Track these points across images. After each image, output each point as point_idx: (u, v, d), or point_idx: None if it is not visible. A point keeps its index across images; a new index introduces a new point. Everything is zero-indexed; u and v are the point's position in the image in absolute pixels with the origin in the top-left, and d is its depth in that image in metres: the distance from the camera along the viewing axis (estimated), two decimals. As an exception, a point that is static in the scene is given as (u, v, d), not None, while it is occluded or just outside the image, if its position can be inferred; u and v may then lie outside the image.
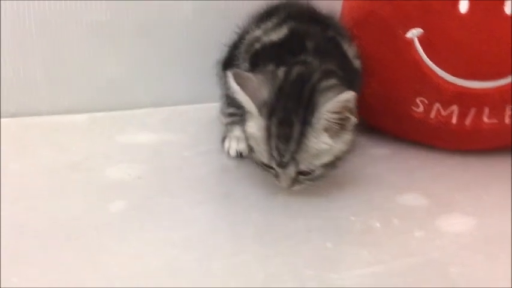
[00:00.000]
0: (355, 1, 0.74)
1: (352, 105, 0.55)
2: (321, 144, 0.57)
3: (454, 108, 0.68)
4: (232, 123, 0.72)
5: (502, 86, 0.66)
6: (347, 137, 0.58)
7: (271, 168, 0.59)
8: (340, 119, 0.56)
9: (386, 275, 0.51)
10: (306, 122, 0.56)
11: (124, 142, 0.74)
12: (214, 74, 0.75)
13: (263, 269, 0.51)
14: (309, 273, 0.51)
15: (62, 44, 0.80)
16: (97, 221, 0.57)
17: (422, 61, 0.67)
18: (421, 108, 0.70)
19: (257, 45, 0.65)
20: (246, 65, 0.66)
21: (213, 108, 0.80)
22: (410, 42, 0.67)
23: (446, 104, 0.68)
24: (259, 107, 0.57)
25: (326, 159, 0.58)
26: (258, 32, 0.67)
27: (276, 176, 0.60)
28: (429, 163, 0.71)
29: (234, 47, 0.71)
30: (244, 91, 0.57)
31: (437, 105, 0.69)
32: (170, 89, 0.86)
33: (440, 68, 0.67)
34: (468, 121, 0.68)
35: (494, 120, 0.68)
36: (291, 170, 0.58)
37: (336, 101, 0.55)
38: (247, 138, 0.62)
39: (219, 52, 0.74)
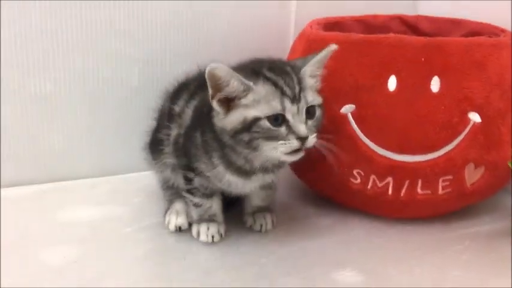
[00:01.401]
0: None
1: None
2: (313, 83, 0.63)
3: (389, 180, 0.70)
4: (172, 198, 0.73)
5: (432, 160, 0.68)
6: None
7: (280, 124, 0.59)
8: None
9: None
10: (290, 64, 0.63)
11: (64, 218, 0.73)
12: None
13: None
14: None
15: (4, 115, 0.79)
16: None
17: (357, 135, 0.70)
18: (358, 180, 0.71)
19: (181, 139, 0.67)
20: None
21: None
22: (344, 117, 0.70)
23: (381, 176, 0.70)
24: (254, 77, 0.60)
25: (320, 98, 0.63)
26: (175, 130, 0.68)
27: (286, 131, 0.59)
28: (369, 234, 0.73)
29: (156, 130, 0.73)
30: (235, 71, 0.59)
31: (373, 177, 0.71)
32: (116, 157, 0.86)
33: (372, 142, 0.69)
34: (403, 192, 0.70)
35: (428, 192, 0.70)
36: (303, 103, 0.60)
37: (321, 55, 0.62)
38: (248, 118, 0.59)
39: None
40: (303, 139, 0.60)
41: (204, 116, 0.64)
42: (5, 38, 0.77)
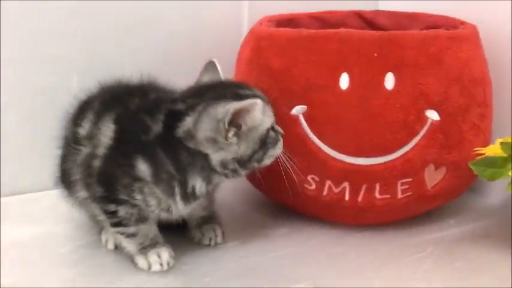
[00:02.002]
0: (242, 74, 0.71)
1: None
2: None
3: (346, 184, 0.65)
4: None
5: (389, 162, 0.64)
6: None
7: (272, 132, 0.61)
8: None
9: None
10: None
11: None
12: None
13: None
14: None
15: None
16: None
17: (309, 138, 0.65)
18: (313, 186, 0.67)
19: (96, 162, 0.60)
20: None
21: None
22: (296, 119, 0.65)
23: (337, 182, 0.66)
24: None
25: None
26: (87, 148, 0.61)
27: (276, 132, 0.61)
28: (327, 243, 0.67)
29: (63, 160, 0.64)
30: None
31: (328, 182, 0.66)
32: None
33: (326, 145, 0.64)
34: (360, 197, 0.66)
35: (387, 196, 0.65)
36: None
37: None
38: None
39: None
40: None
41: (159, 143, 0.57)
42: None
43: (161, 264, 0.61)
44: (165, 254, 0.61)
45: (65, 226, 0.70)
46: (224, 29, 0.87)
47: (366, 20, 0.83)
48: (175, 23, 0.84)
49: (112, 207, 0.59)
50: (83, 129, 0.61)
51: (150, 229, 0.61)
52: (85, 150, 0.61)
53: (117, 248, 0.64)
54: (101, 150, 0.59)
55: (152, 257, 0.61)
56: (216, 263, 0.63)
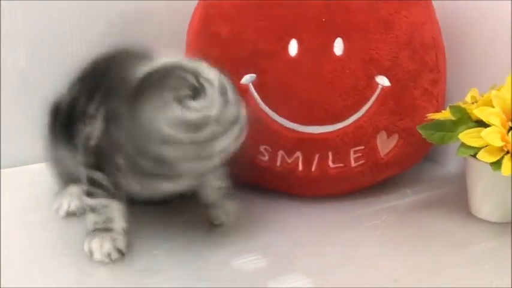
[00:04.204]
0: (191, 46, 0.69)
1: None
2: None
3: (298, 154, 0.65)
4: (65, 180, 0.64)
5: (341, 129, 0.63)
6: None
7: None
8: None
9: None
10: None
11: None
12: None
13: None
14: None
15: None
16: None
17: (260, 108, 0.64)
18: (266, 157, 0.66)
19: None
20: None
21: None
22: (245, 89, 0.64)
23: (289, 152, 0.65)
24: None
25: None
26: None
27: None
28: (283, 214, 0.66)
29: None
30: None
31: (281, 152, 0.65)
32: (4, 149, 0.76)
33: (277, 114, 0.63)
34: (314, 167, 0.65)
35: (340, 165, 0.65)
36: None
37: None
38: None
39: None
40: None
41: None
42: None
43: (101, 253, 0.56)
44: (108, 244, 0.56)
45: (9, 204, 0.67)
46: (177, 5, 0.85)
47: None
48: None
49: (98, 175, 0.57)
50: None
51: (114, 210, 0.58)
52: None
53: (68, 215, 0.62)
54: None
55: (94, 243, 0.56)
56: (165, 237, 0.60)
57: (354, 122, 0.63)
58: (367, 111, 0.63)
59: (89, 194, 0.59)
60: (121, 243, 0.57)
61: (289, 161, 0.65)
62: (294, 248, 0.60)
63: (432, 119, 0.64)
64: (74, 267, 0.55)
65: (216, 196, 0.65)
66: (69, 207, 0.64)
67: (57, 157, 0.66)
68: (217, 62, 0.62)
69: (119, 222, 0.58)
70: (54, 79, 0.69)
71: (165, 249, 0.59)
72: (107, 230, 0.57)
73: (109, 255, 0.56)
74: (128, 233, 0.59)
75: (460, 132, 0.59)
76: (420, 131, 0.62)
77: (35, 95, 0.75)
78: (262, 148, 0.65)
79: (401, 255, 0.58)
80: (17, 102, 0.77)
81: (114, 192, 0.58)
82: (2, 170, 0.77)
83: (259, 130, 0.64)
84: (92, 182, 0.58)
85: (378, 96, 0.63)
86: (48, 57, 0.76)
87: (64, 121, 0.64)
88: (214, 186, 0.64)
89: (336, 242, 0.60)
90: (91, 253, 0.56)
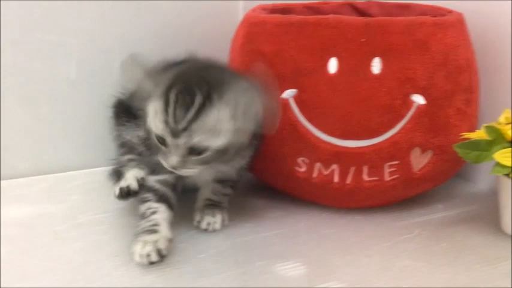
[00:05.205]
0: (234, 61, 0.73)
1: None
2: (221, 121, 0.56)
3: (335, 167, 0.67)
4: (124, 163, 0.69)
5: (377, 144, 0.66)
6: (246, 132, 0.58)
7: (163, 143, 0.56)
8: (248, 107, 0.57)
9: None
10: (209, 95, 0.56)
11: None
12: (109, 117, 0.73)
13: None
14: None
15: None
16: None
17: (299, 121, 0.67)
18: (303, 168, 0.69)
19: None
20: None
21: (101, 173, 0.78)
22: (286, 103, 0.67)
23: (326, 164, 0.67)
24: (159, 82, 0.56)
25: (220, 141, 0.56)
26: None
27: (167, 153, 0.56)
28: (317, 225, 0.69)
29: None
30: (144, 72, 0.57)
31: (318, 164, 0.68)
32: (56, 154, 0.82)
33: (316, 127, 0.66)
34: (349, 180, 0.67)
35: (375, 178, 0.67)
36: (183, 141, 0.55)
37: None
38: (148, 121, 0.57)
39: (104, 113, 0.72)
40: (172, 167, 0.58)
41: None
42: None
43: (141, 256, 0.58)
44: (149, 246, 0.58)
45: (61, 207, 0.72)
46: (220, 21, 0.90)
47: (358, 10, 0.85)
48: (171, 12, 0.86)
49: (150, 180, 0.63)
50: None
51: (160, 215, 0.61)
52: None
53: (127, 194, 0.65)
54: None
55: (137, 245, 0.59)
56: (210, 242, 0.65)
57: (390, 137, 0.66)
58: (402, 128, 0.66)
59: (142, 201, 0.63)
60: (162, 245, 0.59)
61: (325, 172, 0.68)
62: (331, 257, 0.62)
63: (467, 138, 0.66)
64: (124, 268, 0.58)
65: (212, 197, 0.68)
66: (127, 186, 0.66)
67: (120, 134, 0.72)
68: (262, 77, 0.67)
69: (164, 227, 0.61)
70: (102, 89, 0.76)
71: (210, 255, 0.62)
72: (152, 232, 0.60)
73: (148, 256, 0.58)
74: (174, 238, 0.62)
75: (495, 151, 0.62)
76: (456, 150, 0.64)
77: (85, 104, 0.81)
78: (299, 160, 0.68)
79: (436, 268, 0.60)
80: (67, 113, 0.81)
81: (164, 195, 0.63)
82: (54, 175, 0.81)
83: (297, 142, 0.68)
84: (145, 188, 0.64)
85: (413, 113, 0.65)
86: (97, 71, 0.81)
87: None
88: (214, 188, 0.68)
89: (371, 254, 0.63)
90: (133, 255, 0.59)
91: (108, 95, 0.74)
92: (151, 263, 0.58)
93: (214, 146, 0.57)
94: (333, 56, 0.65)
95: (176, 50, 0.86)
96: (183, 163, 0.57)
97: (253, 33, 0.70)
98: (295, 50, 0.66)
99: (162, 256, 0.59)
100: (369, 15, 0.85)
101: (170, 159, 0.57)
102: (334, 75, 0.65)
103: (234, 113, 0.56)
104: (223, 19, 0.89)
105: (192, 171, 0.58)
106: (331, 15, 0.67)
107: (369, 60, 0.64)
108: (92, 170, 0.83)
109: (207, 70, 0.60)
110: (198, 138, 0.56)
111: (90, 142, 0.82)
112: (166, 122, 0.56)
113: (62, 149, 0.82)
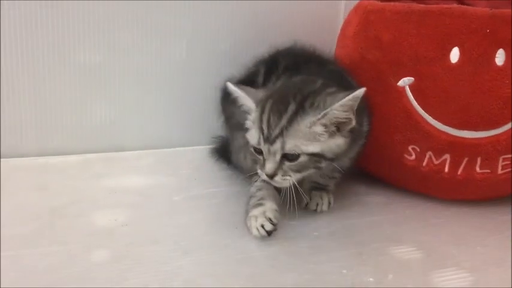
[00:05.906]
0: (346, 48, 0.74)
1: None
2: (313, 128, 0.58)
3: (447, 157, 0.68)
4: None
5: (494, 136, 0.66)
6: (340, 140, 0.59)
7: (259, 152, 0.59)
8: (340, 121, 0.58)
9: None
10: (302, 104, 0.59)
11: (113, 186, 0.73)
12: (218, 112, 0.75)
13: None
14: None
15: (51, 84, 0.79)
16: (78, 272, 0.54)
17: (414, 109, 0.67)
18: (413, 156, 0.69)
19: None
20: None
21: (206, 150, 0.81)
22: (401, 91, 0.67)
23: (438, 153, 0.68)
24: (257, 99, 0.60)
25: (314, 148, 0.58)
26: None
27: (262, 161, 0.60)
28: (424, 213, 0.70)
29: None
30: (242, 90, 0.60)
31: (429, 153, 0.68)
32: (163, 131, 0.85)
33: (431, 116, 0.67)
34: (460, 170, 0.68)
35: (487, 170, 0.67)
36: (277, 147, 0.58)
37: (348, 99, 0.57)
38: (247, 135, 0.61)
39: (212, 93, 0.74)
40: (269, 175, 0.60)
41: None
42: (57, 8, 0.76)
43: (258, 229, 0.61)
44: (261, 218, 0.61)
45: (173, 179, 0.75)
46: (322, 16, 0.90)
47: (463, 1, 0.83)
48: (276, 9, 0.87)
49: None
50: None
51: (266, 191, 0.64)
52: None
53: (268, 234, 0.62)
54: None
55: (250, 221, 0.61)
56: (320, 222, 0.66)
57: (508, 130, 0.66)
58: (522, 121, 0.67)
59: (252, 182, 0.66)
60: (271, 214, 0.61)
61: (436, 162, 0.68)
62: (445, 245, 0.62)
63: None
64: (246, 239, 0.61)
65: (320, 181, 0.70)
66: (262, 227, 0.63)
67: (229, 115, 0.73)
68: (376, 64, 0.68)
69: (268, 201, 0.64)
70: (210, 72, 0.79)
71: (323, 233, 0.64)
72: (259, 205, 0.63)
73: (262, 226, 0.61)
74: (284, 216, 0.64)
75: None
76: None
77: (193, 82, 0.83)
78: (410, 147, 0.69)
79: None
80: (177, 92, 0.84)
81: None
82: (167, 150, 0.85)
83: (409, 130, 0.68)
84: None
85: (535, 107, 0.66)
86: (207, 53, 0.84)
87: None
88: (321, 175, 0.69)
89: (485, 244, 0.63)
90: (250, 229, 0.62)
91: (215, 76, 0.75)
92: (268, 233, 0.60)
93: (307, 151, 0.58)
94: (456, 45, 0.65)
95: (279, 37, 0.89)
96: (279, 170, 0.59)
97: (370, 21, 0.70)
98: (416, 38, 0.66)
99: (273, 224, 0.61)
100: (472, 5, 0.83)
101: (266, 167, 0.59)
102: (456, 64, 0.65)
103: (327, 120, 0.58)
104: (325, 9, 0.89)
105: (287, 181, 0.59)
106: (454, 5, 0.67)
107: (493, 51, 0.64)
108: (196, 147, 0.85)
109: (302, 82, 0.62)
110: (292, 144, 0.58)
111: (196, 121, 0.85)
112: (261, 129, 0.59)
113: (169, 126, 0.85)
